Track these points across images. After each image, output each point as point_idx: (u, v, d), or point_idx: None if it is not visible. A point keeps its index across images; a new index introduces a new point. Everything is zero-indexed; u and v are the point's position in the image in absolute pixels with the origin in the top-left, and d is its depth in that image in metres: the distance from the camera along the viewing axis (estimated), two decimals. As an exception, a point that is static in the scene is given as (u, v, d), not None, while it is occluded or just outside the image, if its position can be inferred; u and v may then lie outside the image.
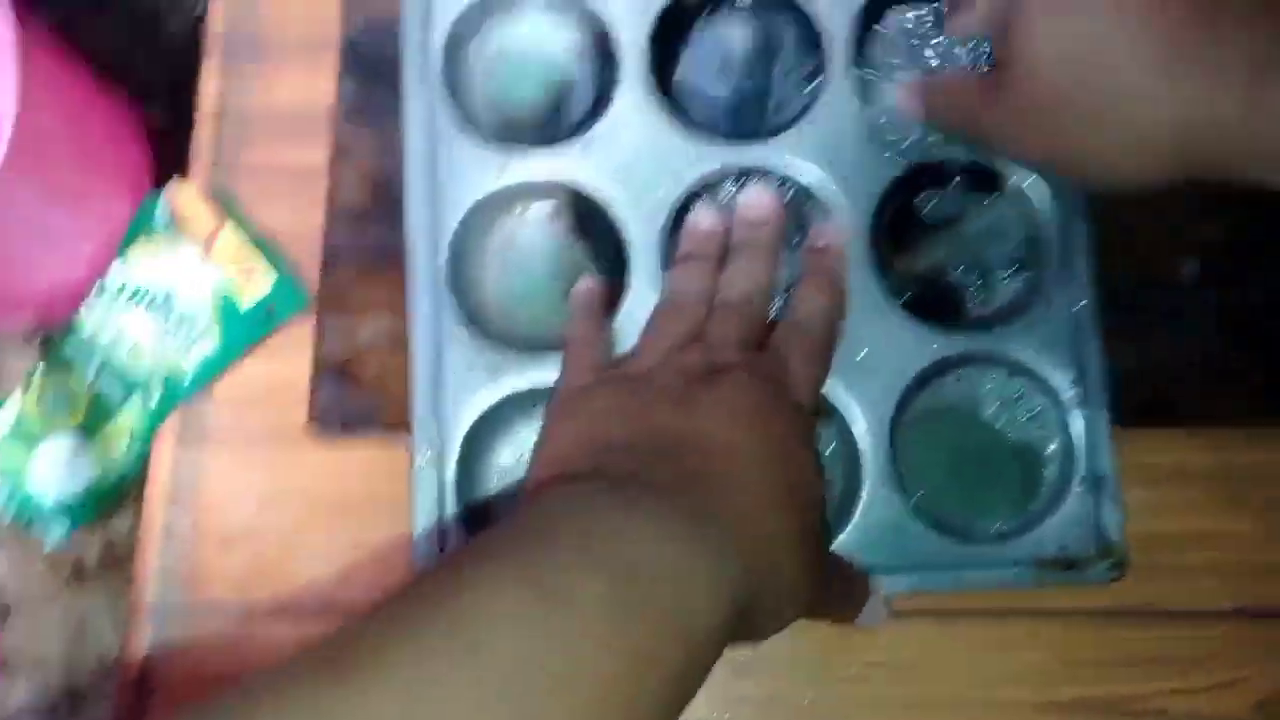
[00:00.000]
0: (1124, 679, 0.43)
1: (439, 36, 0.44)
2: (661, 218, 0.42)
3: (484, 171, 0.43)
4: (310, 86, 0.47)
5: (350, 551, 0.44)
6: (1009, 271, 0.44)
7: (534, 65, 0.45)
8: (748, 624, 0.31)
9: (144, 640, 0.43)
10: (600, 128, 0.43)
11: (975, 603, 0.43)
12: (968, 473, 0.42)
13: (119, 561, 0.47)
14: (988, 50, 0.40)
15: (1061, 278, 0.42)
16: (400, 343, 0.43)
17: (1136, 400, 0.42)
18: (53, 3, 0.52)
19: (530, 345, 0.42)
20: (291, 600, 0.44)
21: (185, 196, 0.46)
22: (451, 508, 0.41)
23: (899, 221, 0.43)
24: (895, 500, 0.41)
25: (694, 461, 0.33)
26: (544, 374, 0.41)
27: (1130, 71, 0.32)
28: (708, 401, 0.35)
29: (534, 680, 0.25)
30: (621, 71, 0.43)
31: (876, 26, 0.44)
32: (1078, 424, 0.42)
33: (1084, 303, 0.42)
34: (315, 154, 0.46)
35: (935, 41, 0.43)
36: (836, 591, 0.38)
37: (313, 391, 0.44)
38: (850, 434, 0.41)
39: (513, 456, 0.43)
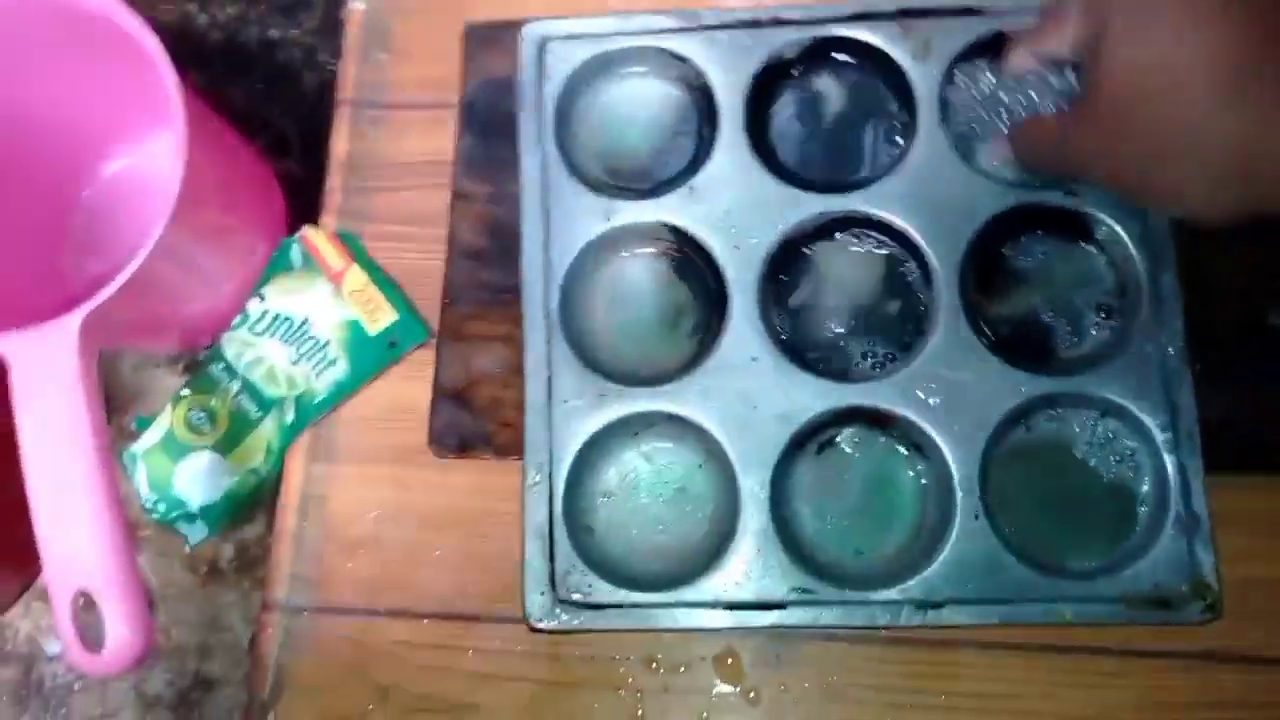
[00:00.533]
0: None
1: (551, 97, 0.48)
2: (759, 261, 0.45)
3: (592, 218, 0.46)
4: (431, 140, 0.52)
5: (464, 562, 0.47)
6: (1100, 317, 0.45)
7: (638, 120, 0.49)
8: None
9: (275, 636, 0.47)
10: (701, 178, 0.46)
11: (1063, 638, 0.43)
12: (1061, 510, 0.43)
13: (251, 564, 0.51)
14: (1067, 93, 0.41)
15: (1152, 323, 0.43)
16: (512, 373, 0.47)
17: (1230, 447, 0.43)
18: (199, 64, 0.59)
19: (634, 377, 0.45)
20: (410, 605, 0.47)
21: (318, 239, 0.50)
22: (560, 524, 0.43)
23: (990, 267, 0.45)
24: (988, 532, 0.42)
25: None
26: (645, 404, 0.44)
27: (1198, 100, 0.33)
28: None
29: None
30: (720, 127, 0.46)
31: (961, 79, 0.46)
32: (1170, 466, 0.42)
33: (1175, 348, 0.43)
34: (436, 201, 0.51)
35: (1016, 95, 0.44)
36: None
37: (432, 415, 0.48)
38: (945, 468, 0.42)
39: (617, 477, 0.45)
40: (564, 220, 0.46)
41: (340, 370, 0.49)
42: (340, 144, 0.53)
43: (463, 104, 0.51)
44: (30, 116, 0.49)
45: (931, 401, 0.43)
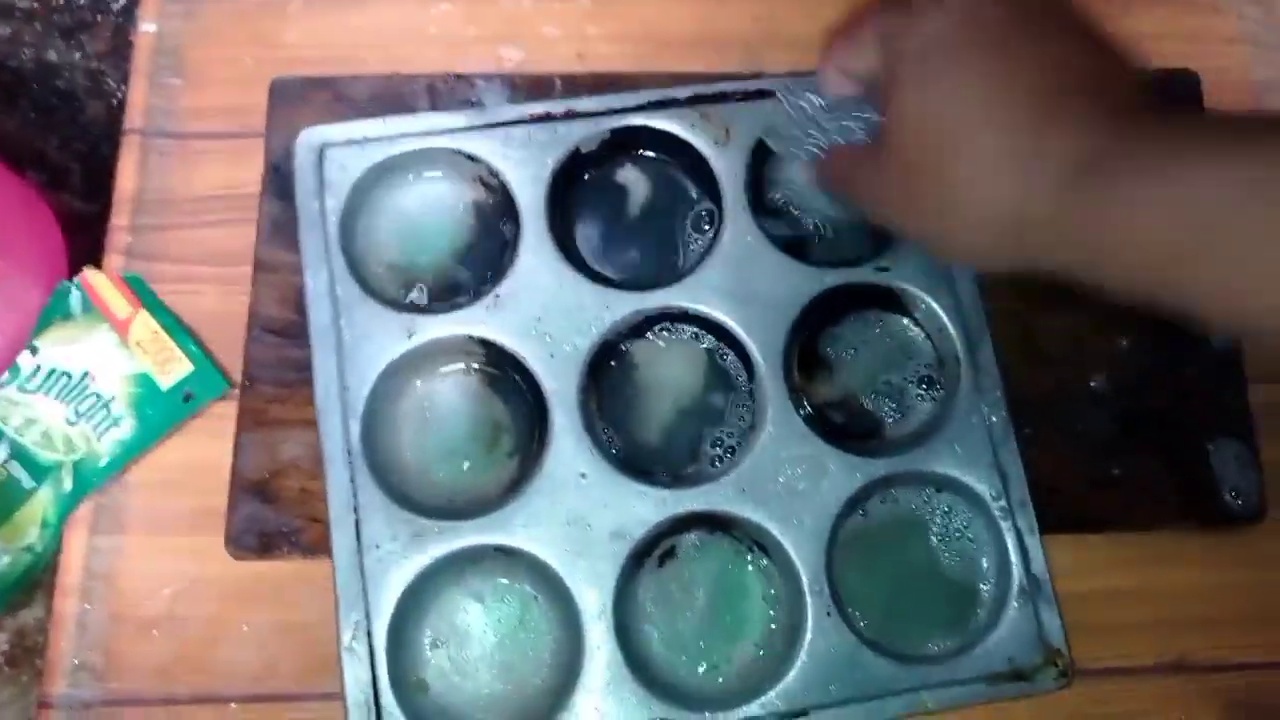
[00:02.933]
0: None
1: (334, 210, 0.44)
2: (577, 369, 0.42)
3: (391, 337, 0.42)
4: (231, 170, 0.47)
5: (274, 636, 0.42)
6: (922, 389, 0.45)
7: (434, 227, 0.46)
8: None
9: None
10: (507, 285, 0.43)
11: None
12: (908, 595, 0.42)
13: (29, 654, 0.44)
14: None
15: (974, 394, 0.43)
16: (320, 464, 0.42)
17: (1061, 509, 0.43)
18: None
19: (452, 509, 0.41)
20: (215, 689, 0.41)
21: (99, 282, 0.44)
22: (385, 689, 0.39)
23: (811, 351, 0.44)
24: (841, 629, 0.40)
25: None
26: (469, 538, 0.40)
27: (975, 159, 0.33)
28: None
29: None
30: (523, 228, 0.44)
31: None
32: (1007, 533, 0.42)
33: (998, 416, 0.43)
34: (238, 238, 0.46)
35: (831, 124, 0.42)
36: None
37: (230, 511, 0.42)
38: (790, 567, 0.41)
39: (446, 624, 0.41)
40: (359, 343, 0.42)
41: (126, 429, 0.43)
42: (127, 177, 0.47)
43: (267, 164, 0.46)
44: None
45: (770, 498, 0.41)
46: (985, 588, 0.42)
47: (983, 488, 0.42)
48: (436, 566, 0.40)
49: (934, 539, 0.43)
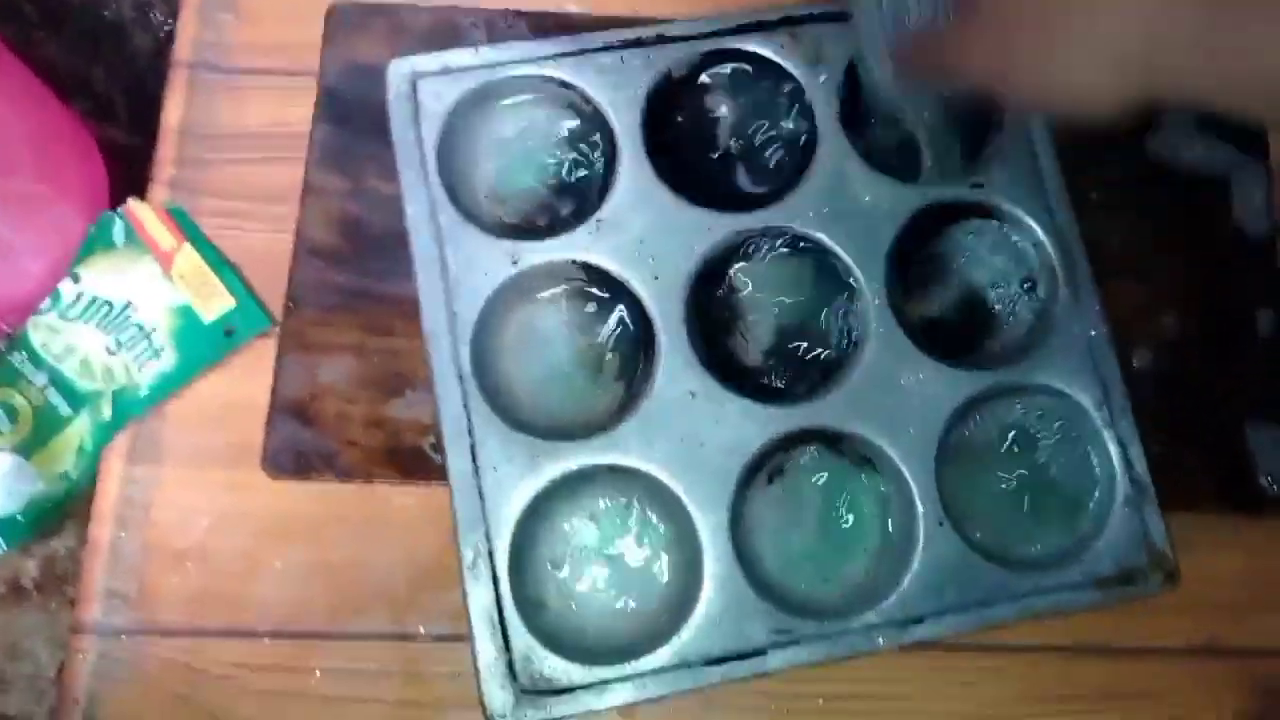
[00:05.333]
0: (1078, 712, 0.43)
1: (430, 138, 0.44)
2: (681, 290, 0.42)
3: (496, 263, 0.42)
4: (280, 109, 0.47)
5: (307, 574, 0.42)
6: (1024, 289, 0.45)
7: (530, 153, 0.46)
8: None
9: (87, 662, 0.40)
10: (608, 210, 0.43)
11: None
12: (1016, 504, 0.43)
13: (58, 581, 0.45)
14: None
15: (1072, 306, 0.44)
16: (359, 387, 0.43)
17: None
18: (9, 14, 0.51)
19: (565, 431, 0.41)
20: (246, 623, 0.42)
21: (144, 214, 0.44)
22: (509, 605, 0.39)
23: (912, 267, 0.44)
24: (953, 538, 0.41)
25: None
26: (584, 458, 0.41)
27: None
28: None
29: None
30: (620, 154, 0.44)
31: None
32: (1110, 441, 0.43)
33: (1098, 330, 0.43)
34: (284, 176, 0.45)
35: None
36: None
37: (267, 431, 0.42)
38: (901, 480, 0.41)
39: (563, 543, 0.41)
40: (464, 269, 0.42)
41: (167, 361, 0.43)
42: (174, 110, 0.47)
43: (321, 88, 0.46)
44: None
45: (877, 412, 0.41)
46: (1091, 494, 0.43)
47: (1084, 397, 0.43)
48: (553, 487, 0.40)
49: (1039, 451, 0.43)
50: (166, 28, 0.51)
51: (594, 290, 0.44)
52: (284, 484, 0.43)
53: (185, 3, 0.48)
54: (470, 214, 0.43)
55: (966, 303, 0.45)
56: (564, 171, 0.45)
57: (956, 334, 0.44)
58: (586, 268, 0.43)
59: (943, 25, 0.39)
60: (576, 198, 0.45)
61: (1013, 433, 0.44)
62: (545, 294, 0.44)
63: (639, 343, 0.43)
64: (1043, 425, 0.44)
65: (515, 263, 0.43)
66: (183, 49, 0.47)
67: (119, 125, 0.50)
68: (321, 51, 0.47)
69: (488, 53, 0.45)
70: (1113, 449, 0.43)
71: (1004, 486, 0.43)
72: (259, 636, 0.42)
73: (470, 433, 0.41)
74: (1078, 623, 0.42)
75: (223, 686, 0.41)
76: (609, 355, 0.43)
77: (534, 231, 0.44)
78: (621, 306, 0.43)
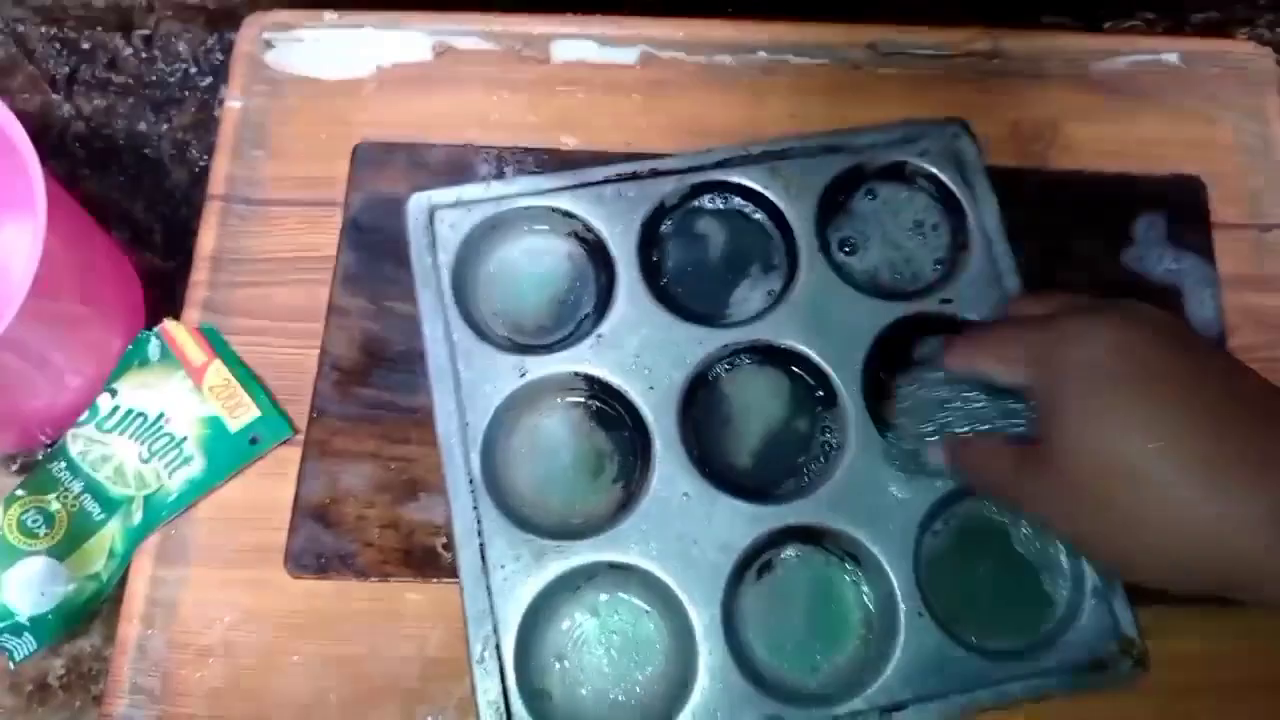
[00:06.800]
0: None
1: (445, 265, 0.48)
2: (674, 399, 0.46)
3: (504, 377, 0.47)
4: (306, 235, 0.51)
5: (324, 667, 0.44)
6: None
7: (536, 276, 0.50)
8: None
9: None
10: (607, 326, 0.47)
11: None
12: (992, 596, 0.45)
13: (84, 679, 0.46)
14: (1012, 419, 0.41)
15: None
16: (377, 491, 0.46)
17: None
18: (57, 154, 0.57)
19: (567, 530, 0.45)
20: (263, 716, 0.44)
21: (178, 332, 0.48)
22: (515, 696, 0.42)
23: (885, 374, 0.48)
24: (932, 628, 0.43)
25: None
26: (585, 555, 0.44)
27: (1169, 491, 0.34)
28: None
29: None
30: (618, 275, 0.48)
31: (842, 201, 0.49)
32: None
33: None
34: (309, 296, 0.50)
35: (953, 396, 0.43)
36: None
37: (290, 533, 0.46)
38: (881, 574, 0.44)
39: (565, 637, 0.44)
40: (475, 383, 0.46)
41: (196, 468, 0.46)
42: (208, 238, 0.51)
43: (346, 219, 0.51)
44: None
45: (859, 510, 0.45)
46: (1063, 586, 0.46)
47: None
48: (557, 583, 0.44)
49: (1010, 543, 0.46)
50: (202, 163, 0.56)
51: (595, 400, 0.48)
52: (304, 582, 0.46)
53: (220, 141, 0.53)
54: (481, 332, 0.48)
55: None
56: (567, 291, 0.50)
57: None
58: (588, 379, 0.47)
59: (1003, 444, 0.40)
60: (579, 316, 0.49)
61: (988, 528, 0.46)
62: (550, 403, 0.48)
63: (636, 448, 0.47)
64: (1014, 521, 0.47)
65: (523, 375, 0.47)
66: (217, 183, 0.52)
67: (155, 251, 0.55)
68: (347, 184, 0.52)
69: (497, 187, 0.50)
70: (1080, 544, 0.45)
71: (980, 579, 0.46)
72: (279, 728, 0.44)
73: (479, 533, 0.44)
74: (1054, 704, 0.44)
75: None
76: (609, 460, 0.47)
77: (540, 347, 0.48)
78: (621, 413, 0.47)
